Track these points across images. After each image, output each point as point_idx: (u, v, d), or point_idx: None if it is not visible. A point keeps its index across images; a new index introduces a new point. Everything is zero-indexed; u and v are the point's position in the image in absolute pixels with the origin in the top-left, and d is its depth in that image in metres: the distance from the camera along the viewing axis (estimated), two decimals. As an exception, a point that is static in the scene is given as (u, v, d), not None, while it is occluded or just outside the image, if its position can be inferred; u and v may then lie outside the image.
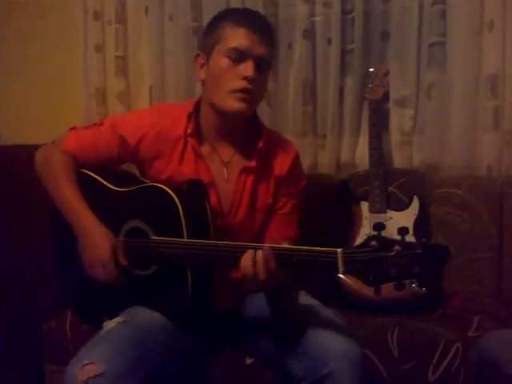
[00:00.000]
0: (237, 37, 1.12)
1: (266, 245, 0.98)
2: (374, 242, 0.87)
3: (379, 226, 0.89)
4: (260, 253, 0.96)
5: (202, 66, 1.19)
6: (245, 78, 1.11)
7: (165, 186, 1.10)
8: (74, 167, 1.22)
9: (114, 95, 1.99)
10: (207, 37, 1.18)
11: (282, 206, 1.25)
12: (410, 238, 1.42)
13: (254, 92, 1.13)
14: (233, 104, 1.12)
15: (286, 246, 0.98)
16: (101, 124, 1.25)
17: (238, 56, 1.12)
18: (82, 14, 1.97)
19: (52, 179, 1.20)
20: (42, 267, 1.65)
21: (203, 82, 1.19)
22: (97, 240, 1.11)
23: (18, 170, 1.74)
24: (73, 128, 1.28)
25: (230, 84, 1.12)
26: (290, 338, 1.08)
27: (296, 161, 1.27)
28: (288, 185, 1.24)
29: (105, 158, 1.24)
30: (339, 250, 0.91)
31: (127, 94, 1.99)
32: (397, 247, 0.85)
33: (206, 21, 1.84)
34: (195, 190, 1.12)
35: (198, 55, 1.20)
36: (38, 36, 2.06)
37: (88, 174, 1.23)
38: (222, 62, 1.13)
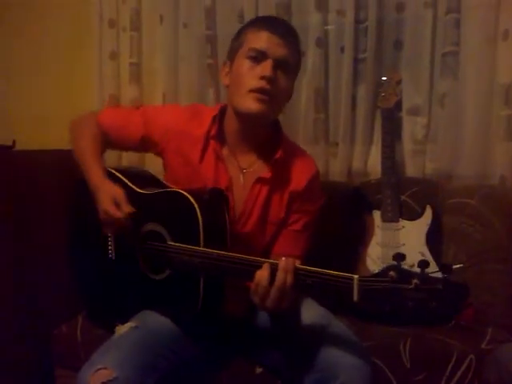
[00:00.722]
0: (258, 39, 1.14)
1: (290, 260, 0.96)
2: (392, 273, 0.85)
3: (399, 257, 0.86)
4: (280, 266, 0.95)
5: (227, 73, 1.21)
6: (263, 78, 1.12)
7: (187, 192, 1.11)
8: (103, 141, 1.29)
9: (128, 102, 2.00)
10: (232, 44, 1.21)
11: (293, 221, 1.24)
12: (422, 248, 1.47)
13: (272, 93, 1.13)
14: (250, 104, 1.13)
15: (301, 266, 0.96)
16: (137, 108, 1.32)
17: (258, 56, 1.13)
18: (97, 22, 2.00)
19: (79, 139, 1.28)
20: (52, 269, 1.66)
21: (228, 88, 1.21)
22: (106, 190, 1.17)
23: (32, 175, 1.76)
24: (112, 105, 1.36)
25: (248, 84, 1.13)
26: (300, 348, 1.07)
27: (314, 179, 1.25)
28: (303, 201, 1.23)
29: (129, 141, 1.30)
30: (356, 276, 0.89)
31: (141, 100, 2.01)
32: (415, 281, 0.83)
33: (219, 29, 1.90)
34: (216, 200, 1.13)
35: (224, 63, 1.23)
36: (52, 42, 2.10)
37: (114, 174, 1.25)
38: (242, 63, 1.16)
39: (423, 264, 0.84)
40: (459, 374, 1.18)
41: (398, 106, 1.73)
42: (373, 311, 1.37)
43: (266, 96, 1.13)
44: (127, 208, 1.13)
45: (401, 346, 1.24)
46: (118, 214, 1.12)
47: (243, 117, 1.17)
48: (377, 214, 1.56)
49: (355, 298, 0.89)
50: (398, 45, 1.77)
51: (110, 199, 1.14)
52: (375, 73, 1.76)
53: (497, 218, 1.53)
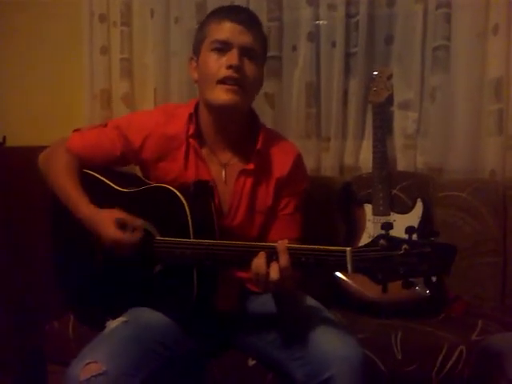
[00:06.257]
0: (220, 30, 1.14)
1: (280, 242, 0.98)
2: (382, 241, 0.89)
3: (387, 226, 0.90)
4: (276, 250, 0.96)
5: (194, 68, 1.21)
6: (230, 67, 1.11)
7: (171, 186, 1.10)
8: (77, 165, 1.23)
9: (119, 97, 2.00)
10: (196, 38, 1.21)
11: (284, 206, 1.25)
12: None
13: (241, 81, 1.12)
14: (221, 96, 1.12)
15: (293, 245, 0.98)
16: (105, 125, 1.27)
17: (222, 47, 1.13)
18: (87, 17, 1.98)
19: (54, 175, 1.22)
20: (44, 266, 1.66)
21: (197, 84, 1.21)
22: (102, 219, 1.11)
23: (23, 171, 1.75)
24: (77, 129, 1.29)
25: (216, 75, 1.13)
26: (292, 340, 1.08)
27: (297, 162, 1.26)
28: (290, 185, 1.24)
29: (109, 159, 1.25)
30: (348, 248, 0.92)
31: (132, 96, 2.01)
32: (405, 246, 0.87)
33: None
34: (201, 191, 1.12)
35: (191, 59, 1.22)
36: (43, 38, 2.08)
37: (93, 175, 1.23)
38: (208, 56, 1.15)
39: (410, 230, 0.88)
40: (449, 364, 1.19)
41: (390, 100, 1.73)
42: (365, 303, 1.39)
43: (235, 86, 1.12)
44: (138, 222, 1.10)
45: (392, 338, 1.25)
46: (133, 238, 1.08)
47: (215, 110, 1.16)
48: (368, 208, 1.56)
49: (349, 269, 0.91)
50: (389, 39, 1.78)
51: (113, 225, 1.08)
52: (366, 67, 1.76)
53: (487, 211, 1.54)
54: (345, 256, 0.91)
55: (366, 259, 0.90)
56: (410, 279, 0.88)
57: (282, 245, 0.97)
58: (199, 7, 1.88)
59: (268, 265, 0.96)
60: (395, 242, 0.88)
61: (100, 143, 1.24)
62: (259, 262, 0.97)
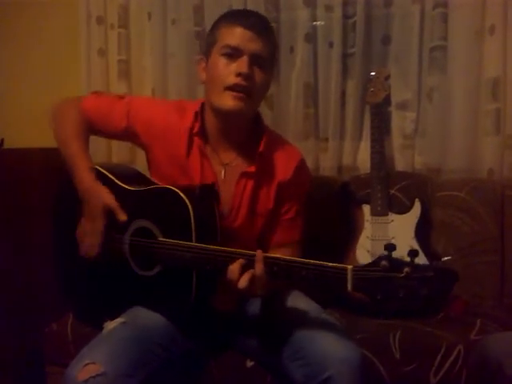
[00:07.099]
0: (231, 35, 1.14)
1: (259, 252, 0.99)
2: (384, 262, 0.88)
3: (391, 247, 0.89)
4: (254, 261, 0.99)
5: (203, 69, 1.21)
6: (239, 75, 1.11)
7: (177, 188, 1.11)
8: (87, 128, 1.26)
9: (117, 99, 2.00)
10: (207, 40, 1.21)
11: (286, 211, 1.25)
12: (411, 242, 1.48)
13: (250, 89, 1.13)
14: (228, 102, 1.13)
15: (295, 258, 0.98)
16: (121, 98, 1.30)
17: (233, 52, 1.13)
18: (85, 19, 1.99)
19: (63, 134, 1.24)
20: (43, 269, 1.66)
21: (204, 85, 1.21)
22: (93, 198, 1.14)
23: (21, 173, 1.75)
24: (95, 92, 1.34)
25: (224, 81, 1.13)
26: (290, 342, 1.08)
27: (300, 166, 1.26)
28: (292, 189, 1.24)
29: (112, 130, 1.27)
30: (349, 266, 0.92)
31: (130, 98, 2.01)
32: (407, 269, 0.86)
33: (208, 25, 1.88)
34: (207, 195, 1.12)
35: (201, 59, 1.22)
36: (41, 40, 2.08)
37: (100, 171, 1.23)
38: (218, 60, 1.15)
39: (413, 253, 0.87)
40: (448, 364, 1.19)
41: (387, 100, 1.74)
42: (363, 303, 1.38)
43: (242, 93, 1.12)
44: (123, 216, 1.13)
45: (390, 338, 1.25)
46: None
47: (221, 114, 1.17)
48: (366, 208, 1.56)
49: (349, 287, 0.91)
50: (386, 40, 1.78)
51: (102, 209, 1.13)
52: (364, 68, 1.77)
53: (485, 211, 1.54)
54: (345, 274, 0.91)
55: (367, 279, 0.89)
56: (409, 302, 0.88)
57: (259, 254, 0.99)
58: (196, 9, 1.89)
59: (241, 272, 0.99)
60: (397, 264, 0.87)
61: (110, 113, 1.26)
62: (233, 267, 0.99)
